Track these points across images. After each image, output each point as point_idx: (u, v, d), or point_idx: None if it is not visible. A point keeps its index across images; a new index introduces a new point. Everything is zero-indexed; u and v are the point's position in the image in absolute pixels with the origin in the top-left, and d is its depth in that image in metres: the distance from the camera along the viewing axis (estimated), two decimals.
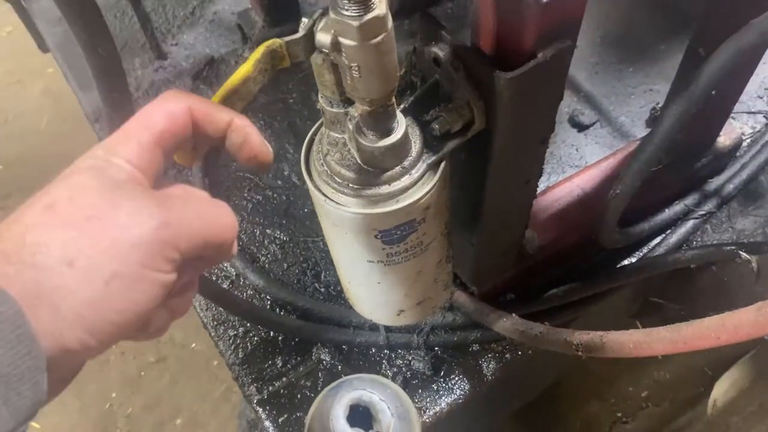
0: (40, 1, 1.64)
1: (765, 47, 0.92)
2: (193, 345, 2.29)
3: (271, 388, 1.09)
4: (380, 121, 0.63)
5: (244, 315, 1.12)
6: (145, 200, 0.50)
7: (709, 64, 0.76)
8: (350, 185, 0.68)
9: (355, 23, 0.51)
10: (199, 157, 0.64)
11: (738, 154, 1.24)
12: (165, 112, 0.54)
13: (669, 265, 1.08)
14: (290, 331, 1.12)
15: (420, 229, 0.72)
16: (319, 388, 1.06)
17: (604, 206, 0.95)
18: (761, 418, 1.54)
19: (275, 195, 1.32)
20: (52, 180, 0.50)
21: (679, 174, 1.16)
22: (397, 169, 0.67)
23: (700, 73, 0.77)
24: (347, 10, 0.51)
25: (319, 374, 1.10)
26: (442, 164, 0.70)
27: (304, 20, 0.58)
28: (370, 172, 0.67)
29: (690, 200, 1.19)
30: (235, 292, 1.19)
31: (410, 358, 1.10)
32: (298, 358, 1.11)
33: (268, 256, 1.24)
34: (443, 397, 1.07)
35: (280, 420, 1.05)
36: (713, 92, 0.79)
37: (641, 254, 1.18)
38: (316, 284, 1.19)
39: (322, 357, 1.11)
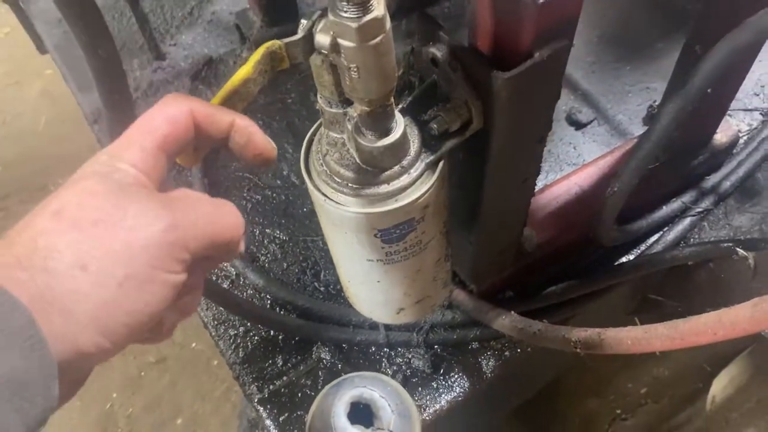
0: (39, 3, 1.64)
1: (760, 46, 0.92)
2: (193, 345, 2.29)
3: (271, 387, 1.09)
4: (379, 121, 0.64)
5: (244, 314, 1.13)
6: (152, 203, 0.50)
7: (705, 63, 0.77)
8: (349, 185, 0.68)
9: (354, 25, 0.52)
10: (200, 158, 0.64)
11: (735, 151, 1.24)
12: (166, 116, 0.55)
13: (666, 263, 1.09)
14: (290, 330, 1.13)
15: (419, 227, 0.73)
16: (320, 387, 1.07)
17: (602, 204, 0.95)
18: (760, 414, 1.55)
19: (274, 195, 1.32)
20: (58, 186, 0.50)
21: (677, 171, 1.17)
22: (396, 168, 0.68)
23: (695, 72, 0.78)
24: (346, 11, 0.52)
25: (320, 373, 1.10)
26: (441, 163, 0.70)
27: (303, 22, 0.58)
28: (369, 171, 0.68)
29: (687, 197, 1.19)
30: (236, 292, 1.19)
31: (410, 356, 1.11)
32: (299, 357, 1.12)
33: (268, 255, 1.24)
34: (443, 395, 1.08)
35: (280, 419, 1.06)
36: (709, 90, 0.79)
37: (639, 251, 1.19)
38: (316, 283, 1.20)
39: (322, 356, 1.11)
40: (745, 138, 1.28)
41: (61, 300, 0.43)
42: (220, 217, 0.56)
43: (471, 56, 0.67)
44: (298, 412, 1.06)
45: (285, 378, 1.10)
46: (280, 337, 1.14)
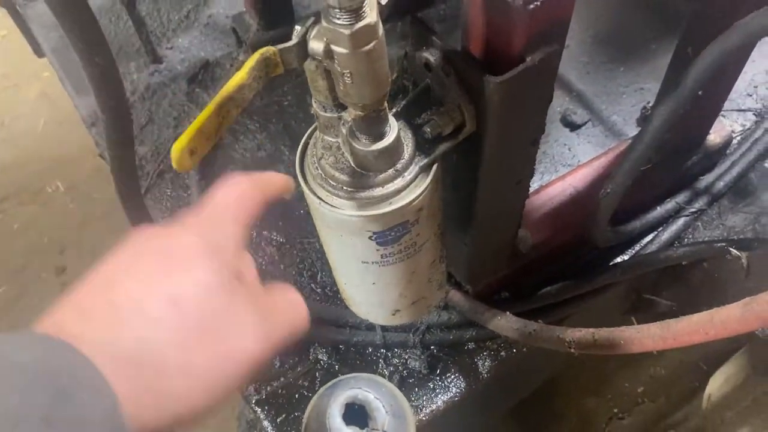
0: (36, 6, 1.64)
1: (751, 48, 0.93)
2: None
3: (269, 388, 1.10)
4: (373, 126, 0.65)
5: None
6: (257, 315, 0.49)
7: (696, 66, 0.77)
8: (344, 188, 0.69)
9: (347, 31, 0.53)
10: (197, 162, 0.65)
11: (728, 151, 1.25)
12: (253, 202, 0.55)
13: (661, 263, 1.10)
14: None
15: (413, 230, 0.74)
16: (317, 388, 1.07)
17: (596, 205, 0.96)
18: (755, 412, 1.56)
19: None
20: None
21: (671, 172, 1.17)
22: (390, 171, 0.68)
23: (687, 74, 0.79)
24: (339, 18, 0.53)
25: (317, 374, 1.11)
26: (434, 166, 0.71)
27: (297, 28, 0.59)
28: (364, 175, 0.68)
29: (681, 198, 1.20)
30: None
31: (406, 357, 1.11)
32: (296, 359, 1.12)
33: (265, 257, 1.25)
34: (439, 396, 1.09)
35: (278, 420, 1.07)
36: (701, 92, 0.80)
37: (633, 252, 1.20)
38: (313, 285, 1.21)
39: (319, 357, 1.12)
40: (738, 138, 1.29)
41: (156, 396, 0.42)
42: (299, 320, 0.56)
43: (463, 61, 0.67)
44: (296, 413, 1.07)
45: (282, 379, 1.11)
46: None
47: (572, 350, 0.87)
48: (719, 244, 1.03)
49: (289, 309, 0.55)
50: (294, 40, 0.58)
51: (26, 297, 2.30)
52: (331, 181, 0.70)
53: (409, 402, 1.05)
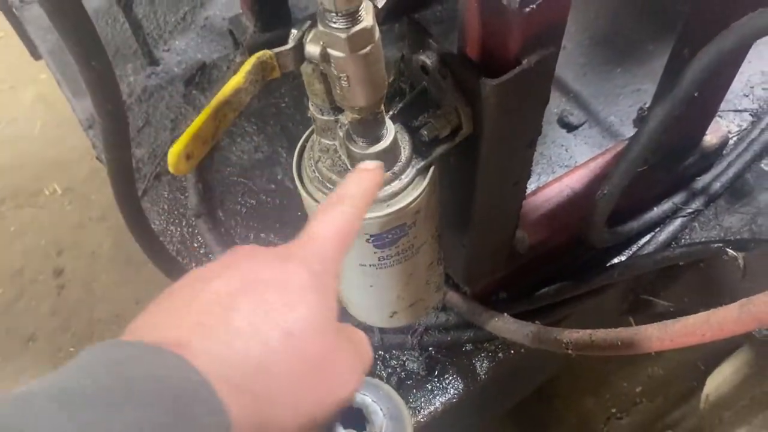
0: (32, 9, 1.64)
1: (746, 50, 0.93)
2: None
3: None
4: (370, 129, 0.65)
5: None
6: (354, 354, 0.49)
7: (692, 67, 0.78)
8: None
9: (343, 35, 0.53)
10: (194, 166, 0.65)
11: (724, 152, 1.25)
12: (353, 235, 0.53)
13: (658, 263, 1.10)
14: None
15: (411, 232, 0.74)
16: None
17: (593, 206, 0.96)
18: (753, 412, 1.56)
19: (269, 199, 1.33)
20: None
21: (667, 173, 1.18)
22: (387, 174, 0.68)
23: (682, 77, 0.79)
24: (335, 22, 0.53)
25: None
26: (431, 169, 0.71)
27: (294, 32, 0.59)
28: None
29: (678, 198, 1.20)
30: None
31: (404, 359, 1.11)
32: None
33: None
34: (437, 397, 1.09)
35: None
36: (696, 94, 0.80)
37: (631, 252, 1.20)
38: None
39: None
40: (735, 139, 1.29)
41: (261, 427, 0.41)
42: (370, 360, 0.54)
43: (460, 64, 0.68)
44: None
45: None
46: None
47: (570, 351, 0.87)
48: (716, 245, 1.03)
49: (364, 347, 0.53)
50: (290, 43, 0.58)
51: (24, 299, 2.29)
52: (328, 184, 0.70)
53: (407, 403, 1.05)
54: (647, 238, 1.20)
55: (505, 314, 1.02)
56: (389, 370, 1.11)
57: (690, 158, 1.18)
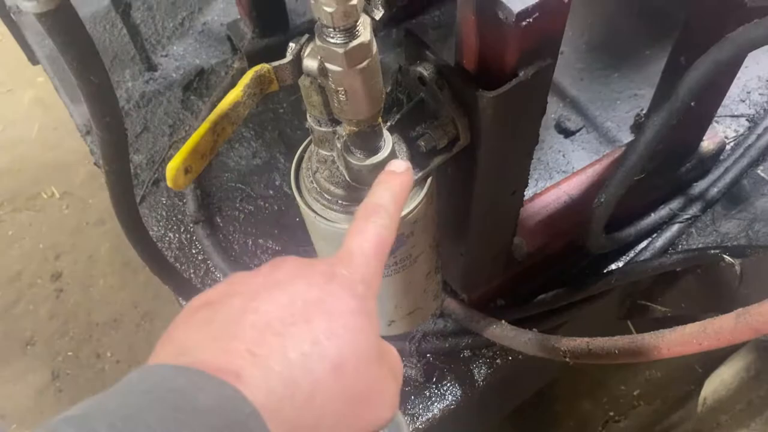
0: (30, 14, 1.64)
1: (742, 59, 0.93)
2: None
3: None
4: (367, 141, 0.65)
5: None
6: (395, 384, 0.49)
7: (688, 77, 0.78)
8: (339, 202, 0.69)
9: (341, 50, 0.53)
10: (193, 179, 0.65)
11: (721, 157, 1.26)
12: (389, 246, 0.53)
13: (655, 269, 1.10)
14: None
15: (408, 242, 0.74)
16: None
17: (590, 214, 0.97)
18: (750, 416, 1.56)
19: (267, 205, 1.33)
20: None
21: (664, 179, 1.18)
22: None
23: (679, 86, 0.79)
24: (333, 37, 0.53)
25: None
26: (429, 180, 0.72)
27: (291, 45, 0.59)
28: (359, 188, 0.69)
29: (675, 204, 1.21)
30: None
31: (402, 366, 1.11)
32: None
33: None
34: (436, 404, 1.09)
35: None
36: (693, 104, 0.81)
37: (628, 258, 1.20)
38: None
39: None
40: (731, 144, 1.29)
41: None
42: (401, 380, 0.54)
43: (457, 75, 0.68)
44: None
45: None
46: None
47: (567, 359, 0.88)
48: (713, 251, 1.03)
49: (399, 367, 0.53)
50: (288, 57, 0.59)
51: (22, 303, 2.29)
52: (326, 195, 0.70)
53: (405, 410, 1.05)
54: (644, 244, 1.21)
55: (503, 321, 1.02)
56: None
57: (687, 164, 1.19)
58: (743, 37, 0.71)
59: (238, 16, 1.48)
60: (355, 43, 0.53)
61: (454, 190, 0.82)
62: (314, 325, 0.44)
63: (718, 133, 1.22)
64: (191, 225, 1.30)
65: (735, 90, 1.38)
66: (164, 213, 1.33)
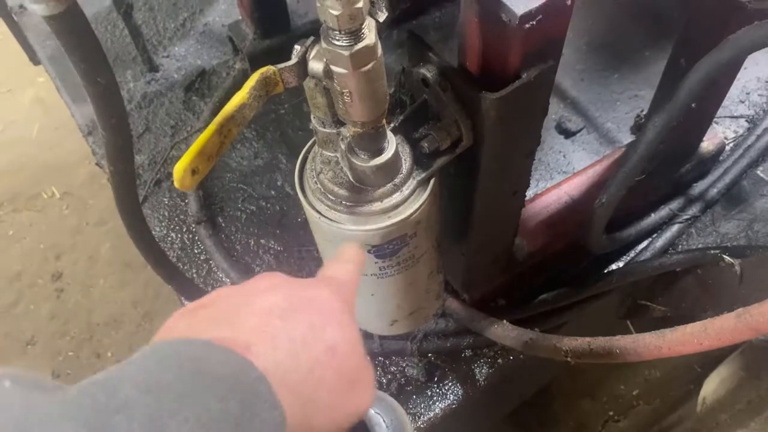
0: (32, 15, 1.64)
1: (742, 61, 0.94)
2: None
3: None
4: (371, 142, 0.65)
5: None
6: (372, 377, 0.55)
7: (688, 79, 0.78)
8: (343, 202, 0.70)
9: (346, 53, 0.54)
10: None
11: (721, 158, 1.26)
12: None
13: (655, 270, 1.11)
14: None
15: (411, 243, 0.75)
16: None
17: (591, 214, 0.97)
18: (750, 415, 1.57)
19: (269, 205, 1.33)
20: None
21: (664, 179, 1.18)
22: (389, 186, 0.69)
23: (679, 88, 0.80)
24: (338, 40, 0.53)
25: None
26: (432, 180, 0.72)
27: (297, 48, 0.59)
28: (363, 189, 0.69)
29: (675, 205, 1.21)
30: None
31: (404, 365, 1.12)
32: None
33: (263, 266, 1.26)
34: (437, 403, 1.09)
35: None
36: (693, 105, 0.81)
37: (628, 258, 1.21)
38: None
39: None
40: (731, 145, 1.30)
41: (303, 429, 0.46)
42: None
43: (460, 77, 0.68)
44: None
45: None
46: None
47: (568, 359, 0.88)
48: (713, 252, 1.04)
49: (371, 367, 0.59)
50: (294, 59, 0.59)
51: (23, 303, 2.29)
52: (330, 196, 0.71)
53: (408, 410, 1.06)
54: (645, 244, 1.21)
55: (504, 321, 1.03)
56: (389, 377, 1.11)
57: (687, 165, 1.19)
58: (745, 38, 0.72)
59: (240, 17, 1.49)
60: (360, 45, 0.54)
61: (455, 190, 0.82)
62: (310, 314, 0.50)
63: (718, 134, 1.22)
64: (193, 225, 1.30)
65: (734, 91, 1.39)
66: (166, 213, 1.34)
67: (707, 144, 1.20)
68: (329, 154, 0.70)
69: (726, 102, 1.25)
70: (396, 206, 0.70)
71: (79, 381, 0.51)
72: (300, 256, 1.26)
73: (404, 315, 0.88)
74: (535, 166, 1.31)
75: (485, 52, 0.67)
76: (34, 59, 1.68)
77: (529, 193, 1.01)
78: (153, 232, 1.10)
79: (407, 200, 0.70)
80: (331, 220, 0.71)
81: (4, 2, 1.55)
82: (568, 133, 1.37)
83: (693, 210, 1.21)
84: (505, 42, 0.63)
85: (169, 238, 1.31)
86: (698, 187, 1.23)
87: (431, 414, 1.08)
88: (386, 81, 0.61)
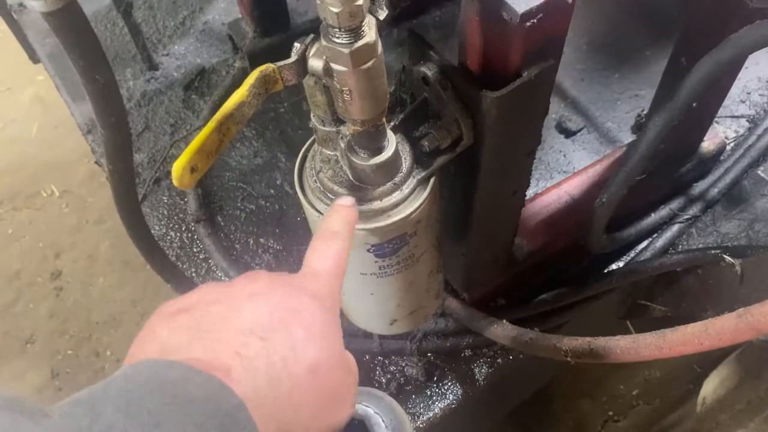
0: (31, 13, 1.64)
1: (743, 61, 0.94)
2: None
3: None
4: (371, 140, 0.65)
5: None
6: (353, 385, 0.56)
7: (689, 79, 0.78)
8: None
9: (346, 50, 0.53)
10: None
11: (722, 158, 1.26)
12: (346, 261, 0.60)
13: (656, 270, 1.10)
14: None
15: (411, 242, 0.74)
16: None
17: (591, 214, 0.97)
18: (749, 415, 1.57)
19: (268, 204, 1.33)
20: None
21: (665, 179, 1.18)
22: (389, 185, 0.69)
23: (680, 87, 0.79)
24: (338, 37, 0.53)
25: None
26: (432, 179, 0.72)
27: (297, 45, 0.59)
28: (362, 188, 0.69)
29: (675, 204, 1.21)
30: None
31: (404, 365, 1.12)
32: None
33: (262, 265, 1.25)
34: (437, 403, 1.09)
35: None
36: (694, 105, 0.81)
37: (628, 258, 1.21)
38: None
39: None
40: (732, 145, 1.30)
41: None
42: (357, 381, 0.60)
43: (461, 76, 0.68)
44: None
45: None
46: None
47: (568, 359, 0.88)
48: (713, 251, 1.03)
49: (355, 368, 0.59)
50: (293, 57, 0.59)
51: (22, 301, 2.29)
52: (329, 195, 0.70)
53: (407, 409, 1.06)
54: (645, 244, 1.21)
55: (504, 321, 1.02)
56: (388, 376, 1.11)
57: (688, 164, 1.19)
58: (746, 38, 0.71)
59: (240, 16, 1.48)
60: (360, 43, 0.53)
61: (455, 189, 0.82)
62: (293, 332, 0.49)
63: (719, 134, 1.22)
64: (192, 224, 1.30)
65: (735, 91, 1.38)
66: (165, 212, 1.34)
67: (708, 144, 1.19)
68: (329, 152, 0.70)
69: (727, 102, 1.25)
70: (396, 205, 0.70)
71: (77, 380, 0.51)
72: (299, 255, 1.25)
73: (404, 314, 0.88)
74: (535, 166, 1.30)
75: (486, 50, 0.66)
76: (34, 57, 1.68)
77: (529, 193, 1.01)
78: (152, 231, 1.10)
79: (407, 199, 0.70)
80: None
81: (4, 0, 1.55)
82: (568, 133, 1.36)
83: (693, 210, 1.21)
84: (505, 40, 0.63)
85: (168, 237, 1.30)
86: (699, 187, 1.23)
87: (431, 414, 1.08)
88: (386, 79, 0.60)
